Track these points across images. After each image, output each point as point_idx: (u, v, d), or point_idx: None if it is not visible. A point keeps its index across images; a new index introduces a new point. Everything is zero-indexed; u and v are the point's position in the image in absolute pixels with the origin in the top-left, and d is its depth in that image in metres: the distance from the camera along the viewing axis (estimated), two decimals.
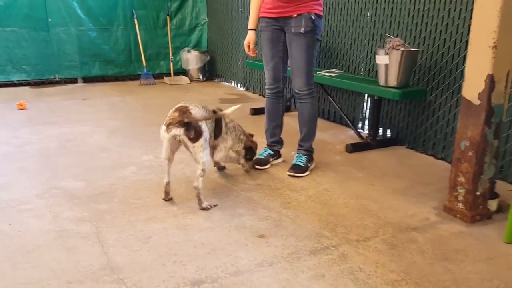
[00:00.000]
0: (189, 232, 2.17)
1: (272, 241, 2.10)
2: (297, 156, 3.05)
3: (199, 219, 2.32)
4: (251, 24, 3.01)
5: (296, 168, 2.95)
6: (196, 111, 2.41)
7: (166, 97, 5.53)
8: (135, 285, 1.74)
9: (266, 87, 3.12)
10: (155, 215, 2.36)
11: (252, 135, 2.96)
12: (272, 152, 3.15)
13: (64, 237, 2.10)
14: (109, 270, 1.84)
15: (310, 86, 2.92)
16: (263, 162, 3.08)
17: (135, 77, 6.66)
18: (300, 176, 2.91)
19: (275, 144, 3.17)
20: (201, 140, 2.36)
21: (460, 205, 2.36)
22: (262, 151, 3.12)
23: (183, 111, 2.37)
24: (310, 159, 3.06)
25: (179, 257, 1.96)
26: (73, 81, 6.36)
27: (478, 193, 2.32)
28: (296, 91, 2.94)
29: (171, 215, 2.35)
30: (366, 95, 4.05)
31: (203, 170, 2.40)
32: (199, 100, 5.33)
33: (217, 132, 2.63)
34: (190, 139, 2.34)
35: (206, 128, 2.42)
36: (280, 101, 3.12)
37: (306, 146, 3.06)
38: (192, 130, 2.32)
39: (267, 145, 3.18)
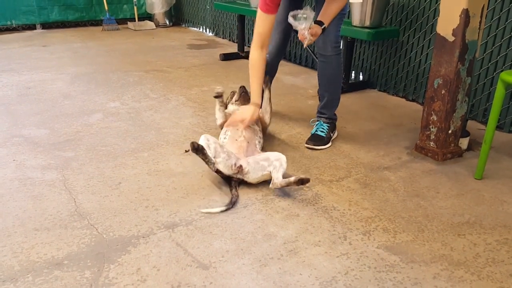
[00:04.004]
0: (161, 178, 2.12)
1: (246, 185, 2.07)
2: (317, 124, 2.59)
3: (171, 165, 2.26)
4: (255, 96, 2.33)
5: (316, 140, 2.48)
6: None
7: (131, 43, 5.28)
8: (106, 230, 1.69)
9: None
10: (124, 161, 2.28)
11: None
12: None
13: (29, 185, 2.01)
14: (78, 216, 1.78)
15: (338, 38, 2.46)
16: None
17: (97, 23, 6.33)
18: (321, 149, 2.47)
19: None
20: None
21: (431, 143, 2.38)
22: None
23: None
24: (332, 127, 2.58)
25: (151, 202, 1.91)
26: (31, 27, 5.99)
27: (450, 131, 2.33)
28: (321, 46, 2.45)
29: (141, 162, 2.28)
30: None
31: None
32: (167, 46, 5.15)
33: None
34: None
35: None
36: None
37: (329, 114, 2.60)
38: None
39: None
